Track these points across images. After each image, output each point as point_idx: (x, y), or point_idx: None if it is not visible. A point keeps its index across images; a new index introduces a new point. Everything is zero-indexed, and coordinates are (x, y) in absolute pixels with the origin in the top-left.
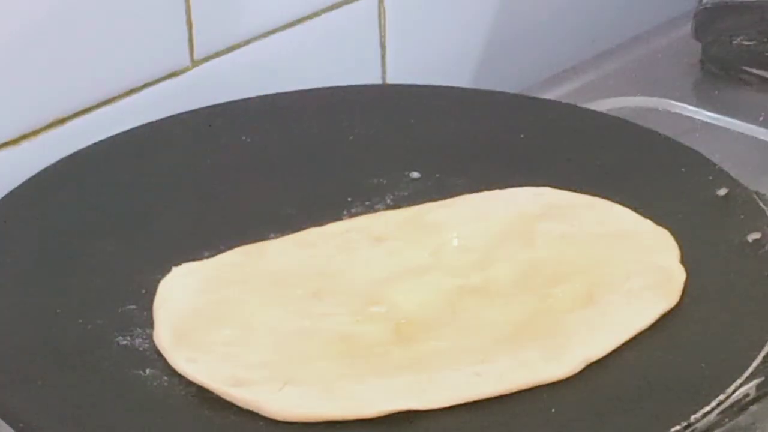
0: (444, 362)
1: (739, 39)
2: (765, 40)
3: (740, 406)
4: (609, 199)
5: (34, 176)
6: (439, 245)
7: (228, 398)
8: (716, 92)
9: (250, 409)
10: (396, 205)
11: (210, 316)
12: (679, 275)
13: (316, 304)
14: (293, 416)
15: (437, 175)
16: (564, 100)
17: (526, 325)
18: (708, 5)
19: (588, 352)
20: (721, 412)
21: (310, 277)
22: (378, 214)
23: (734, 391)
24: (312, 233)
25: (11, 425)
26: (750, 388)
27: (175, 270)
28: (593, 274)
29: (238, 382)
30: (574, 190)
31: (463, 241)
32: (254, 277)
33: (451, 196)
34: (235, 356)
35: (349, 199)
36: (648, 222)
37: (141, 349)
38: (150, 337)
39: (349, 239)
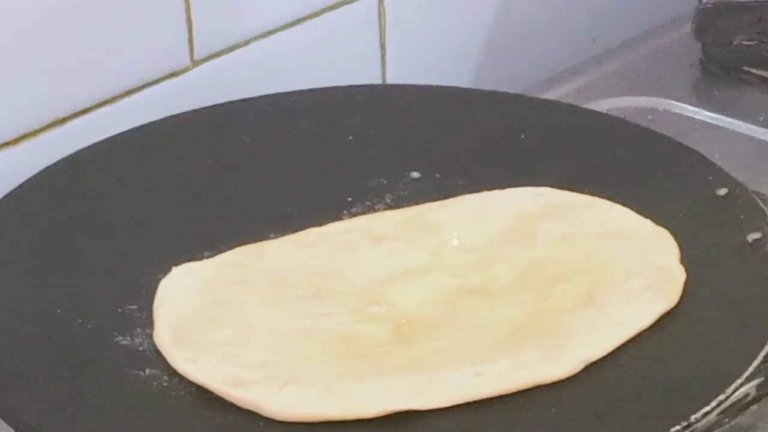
0: (444, 362)
1: (739, 39)
2: (765, 40)
3: (740, 406)
4: (609, 199)
5: (34, 176)
6: (439, 245)
7: (228, 398)
8: (716, 92)
9: (250, 409)
10: (396, 205)
11: (210, 316)
12: (679, 275)
13: (316, 304)
14: (293, 416)
15: (437, 175)
16: (564, 100)
17: (526, 325)
18: (708, 5)
19: (588, 352)
20: (721, 412)
21: (310, 277)
22: (378, 214)
23: (734, 391)
24: (312, 233)
25: (11, 425)
26: (750, 388)
27: (175, 270)
28: (593, 274)
29: (238, 382)
30: (574, 190)
31: (463, 241)
32: (254, 277)
33: (451, 196)
34: (235, 356)
35: (349, 199)
36: (648, 222)
37: (141, 349)
38: (150, 337)
39: (349, 239)
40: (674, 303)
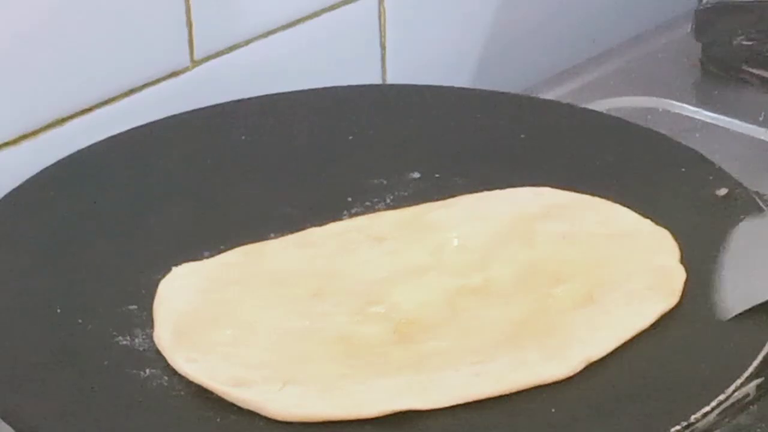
0: (444, 362)
1: (739, 39)
2: (765, 40)
3: (740, 406)
4: (609, 199)
5: (34, 176)
6: (439, 245)
7: (228, 398)
8: (716, 92)
9: (251, 409)
10: (396, 205)
11: (210, 316)
12: (679, 275)
13: (316, 304)
14: (293, 416)
15: (437, 175)
16: (564, 100)
17: (526, 324)
18: (708, 5)
19: (588, 351)
20: (721, 412)
21: (310, 277)
22: (378, 214)
23: (734, 391)
24: (312, 233)
25: (11, 425)
26: (750, 388)
27: (175, 270)
28: (593, 274)
29: (238, 383)
30: (574, 190)
31: (463, 241)
32: (254, 278)
33: (451, 196)
34: (236, 356)
35: (349, 199)
36: (648, 222)
37: (141, 349)
38: (150, 337)
39: (349, 239)
40: (674, 303)
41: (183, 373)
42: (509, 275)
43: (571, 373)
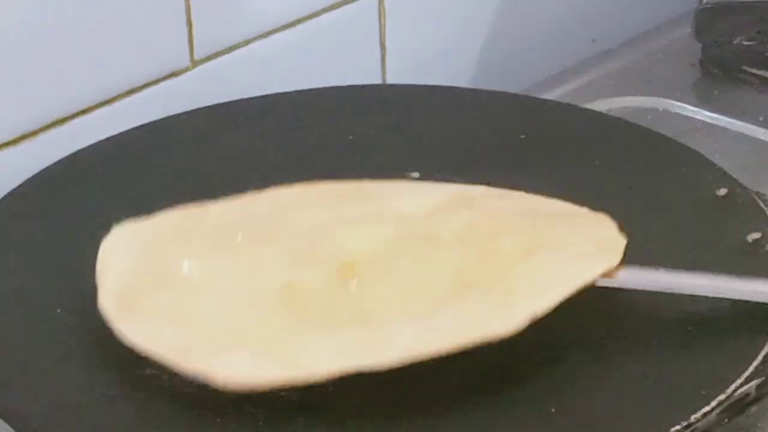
0: (390, 316)
1: (739, 39)
2: (765, 40)
3: (740, 406)
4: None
5: (34, 176)
6: (381, 208)
7: (177, 369)
8: (716, 92)
9: (199, 379)
10: None
11: (151, 280)
12: (620, 241)
13: (255, 252)
14: (241, 384)
15: (437, 175)
16: (564, 100)
17: (469, 274)
18: (708, 5)
19: (533, 305)
20: (721, 412)
21: (249, 229)
22: (316, 185)
23: (734, 391)
24: (251, 195)
25: (11, 425)
26: (750, 388)
27: (115, 231)
28: (534, 234)
29: (184, 350)
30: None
31: (405, 208)
32: (194, 237)
33: None
34: (178, 320)
35: None
36: (584, 208)
37: None
38: None
39: (290, 199)
40: (616, 262)
41: (129, 344)
42: (450, 230)
43: (517, 330)
